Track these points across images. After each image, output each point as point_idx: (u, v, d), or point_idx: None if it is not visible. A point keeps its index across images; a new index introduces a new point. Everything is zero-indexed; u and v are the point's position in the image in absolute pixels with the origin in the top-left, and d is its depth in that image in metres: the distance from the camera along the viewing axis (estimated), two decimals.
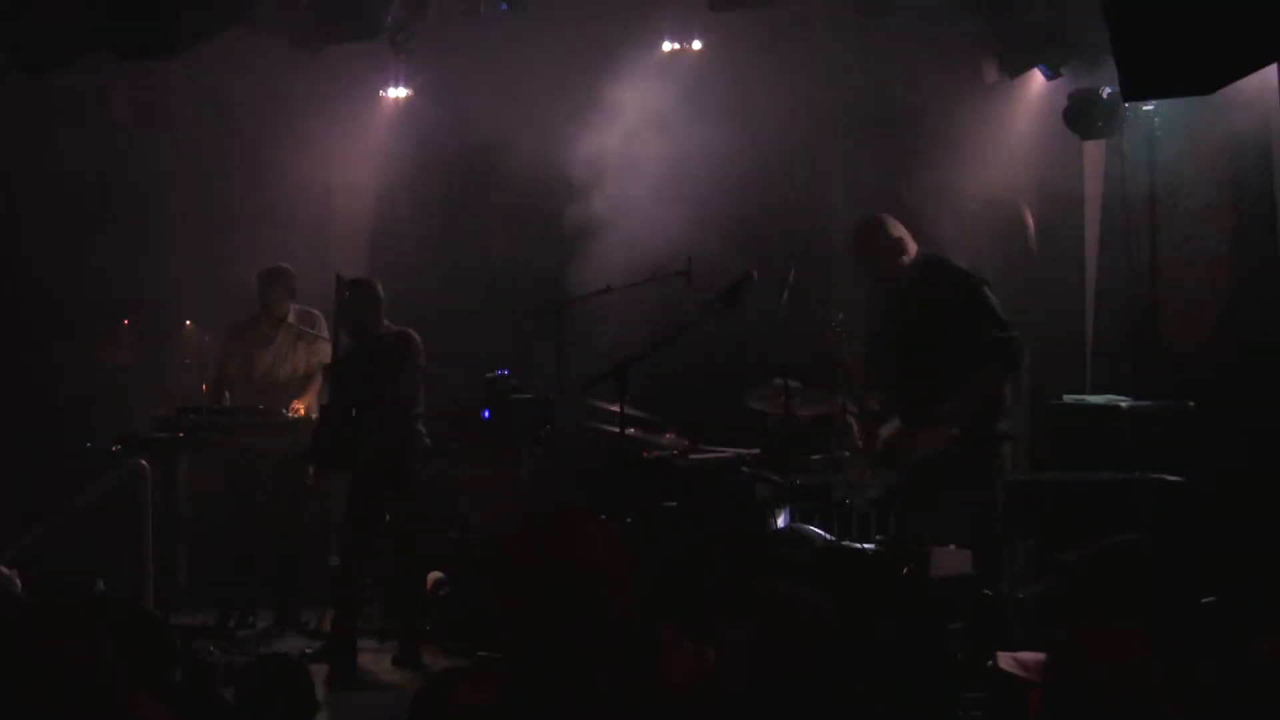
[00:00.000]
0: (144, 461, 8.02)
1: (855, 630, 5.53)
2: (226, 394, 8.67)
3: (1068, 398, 7.62)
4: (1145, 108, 7.77)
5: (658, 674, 2.77)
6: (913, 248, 6.69)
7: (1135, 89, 5.12)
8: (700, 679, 2.84)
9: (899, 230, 6.70)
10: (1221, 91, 5.40)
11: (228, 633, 8.15)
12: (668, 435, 7.86)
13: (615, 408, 6.65)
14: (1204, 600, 5.95)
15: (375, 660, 7.58)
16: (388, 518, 7.69)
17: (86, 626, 3.00)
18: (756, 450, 7.60)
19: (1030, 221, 8.83)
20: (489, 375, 8.77)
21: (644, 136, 8.76)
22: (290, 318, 8.69)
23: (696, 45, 9.32)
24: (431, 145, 9.75)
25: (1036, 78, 8.25)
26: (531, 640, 2.69)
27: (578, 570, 2.68)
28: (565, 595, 2.67)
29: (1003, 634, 5.58)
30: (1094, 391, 7.59)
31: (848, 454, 6.54)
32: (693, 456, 7.48)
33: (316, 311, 8.79)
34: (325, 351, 8.51)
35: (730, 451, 7.55)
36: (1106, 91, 7.63)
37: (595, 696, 2.65)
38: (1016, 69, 8.20)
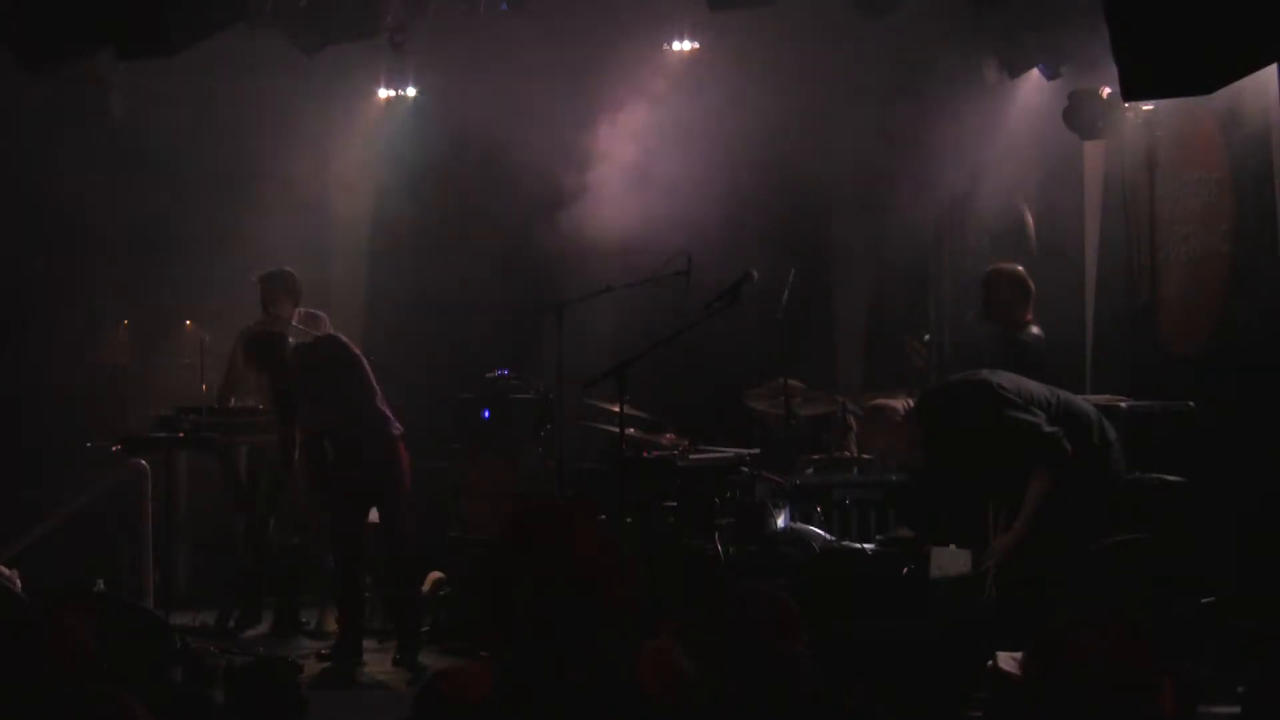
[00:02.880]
0: (144, 461, 8.02)
1: (854, 631, 5.54)
2: (233, 399, 8.67)
3: None
4: (1145, 108, 7.77)
5: (635, 679, 2.75)
6: (908, 409, 6.42)
7: (1135, 89, 5.12)
8: (678, 684, 2.82)
9: (892, 413, 6.45)
10: (1221, 91, 5.41)
11: (228, 633, 8.15)
12: (668, 435, 7.86)
13: (615, 408, 6.65)
14: (1204, 599, 5.95)
15: (375, 660, 7.58)
16: (377, 514, 7.67)
17: (85, 627, 3.00)
18: (756, 450, 7.61)
19: (1030, 222, 8.83)
20: (489, 375, 8.77)
21: (643, 136, 8.77)
22: (295, 320, 8.67)
23: (696, 45, 9.33)
24: (431, 145, 9.76)
25: (1036, 78, 8.25)
26: (523, 640, 2.68)
27: (572, 566, 2.67)
28: (558, 592, 2.66)
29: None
30: (1094, 391, 7.58)
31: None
32: (693, 456, 7.48)
33: (321, 313, 8.79)
34: None
35: (730, 451, 7.56)
36: (1106, 91, 7.63)
37: (573, 699, 2.64)
38: (1016, 69, 8.20)
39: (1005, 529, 6.02)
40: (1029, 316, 7.12)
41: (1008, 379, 6.23)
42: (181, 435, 8.13)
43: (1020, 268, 7.32)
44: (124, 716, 2.79)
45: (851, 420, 7.84)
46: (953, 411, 6.25)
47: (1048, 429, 5.99)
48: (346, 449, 7.50)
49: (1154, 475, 6.54)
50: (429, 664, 7.39)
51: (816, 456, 7.78)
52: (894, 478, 7.23)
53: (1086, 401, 6.50)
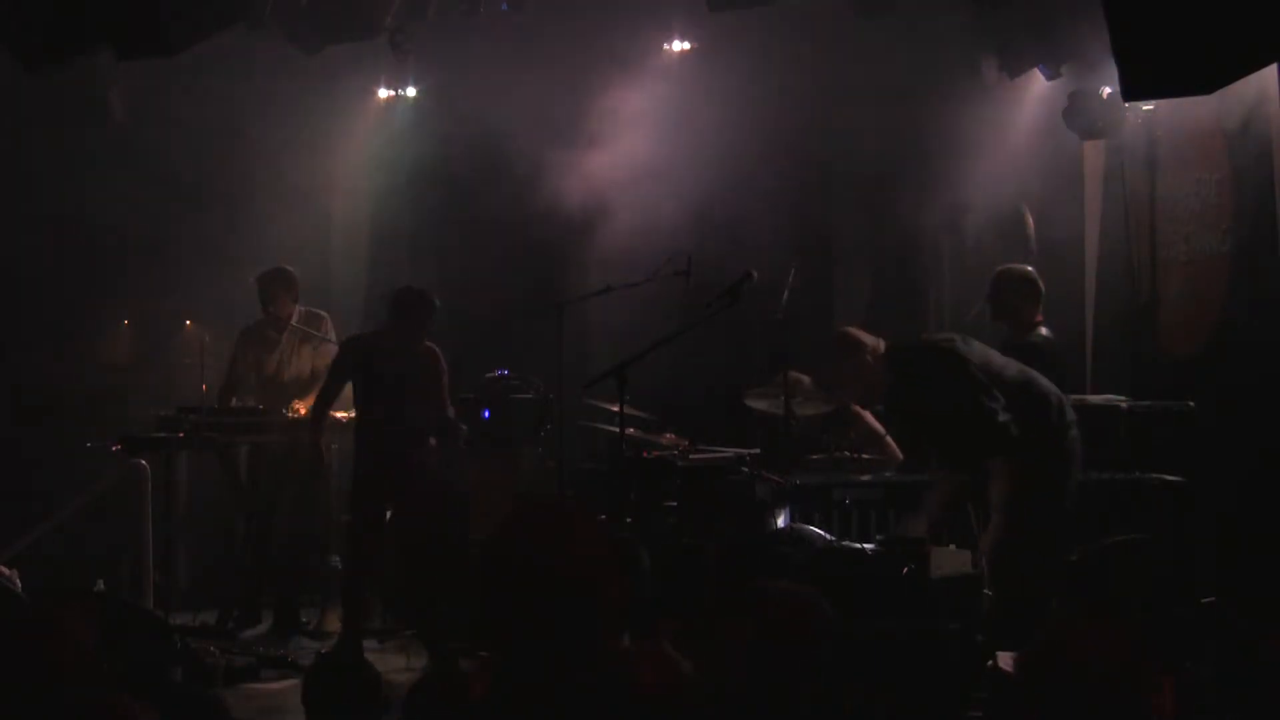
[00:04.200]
0: (144, 461, 8.02)
1: (854, 631, 5.54)
2: (233, 399, 8.67)
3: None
4: (1145, 108, 7.77)
5: (626, 678, 2.74)
6: (877, 349, 6.35)
7: (1135, 89, 5.12)
8: (674, 684, 2.81)
9: (861, 348, 6.37)
10: (1221, 91, 5.41)
11: (228, 633, 8.15)
12: (668, 435, 7.86)
13: (615, 408, 6.65)
14: (1204, 600, 5.96)
15: (375, 660, 7.56)
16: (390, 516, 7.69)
17: (85, 627, 3.00)
18: (756, 450, 7.61)
19: (1030, 222, 8.82)
20: (489, 375, 8.77)
21: (643, 136, 8.77)
22: (295, 319, 8.67)
23: (696, 45, 9.32)
24: (431, 145, 9.76)
25: (1036, 78, 8.25)
26: (522, 640, 2.68)
27: (572, 566, 2.67)
28: (558, 592, 2.66)
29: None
30: (1094, 391, 7.57)
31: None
32: (693, 456, 7.47)
33: (323, 313, 8.79)
34: (331, 353, 8.48)
35: (730, 451, 7.55)
36: (1106, 91, 7.63)
37: (572, 699, 2.64)
38: (1016, 69, 8.20)
39: (984, 526, 6.03)
40: (1039, 318, 7.10)
41: (977, 352, 6.21)
42: (181, 435, 8.14)
43: (1030, 268, 7.32)
44: (124, 717, 2.79)
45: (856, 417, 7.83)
46: (917, 369, 6.24)
47: (1001, 418, 5.97)
48: (393, 449, 7.52)
49: (1154, 475, 6.54)
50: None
51: (816, 456, 7.77)
52: (890, 475, 7.23)
53: (1050, 384, 6.43)
